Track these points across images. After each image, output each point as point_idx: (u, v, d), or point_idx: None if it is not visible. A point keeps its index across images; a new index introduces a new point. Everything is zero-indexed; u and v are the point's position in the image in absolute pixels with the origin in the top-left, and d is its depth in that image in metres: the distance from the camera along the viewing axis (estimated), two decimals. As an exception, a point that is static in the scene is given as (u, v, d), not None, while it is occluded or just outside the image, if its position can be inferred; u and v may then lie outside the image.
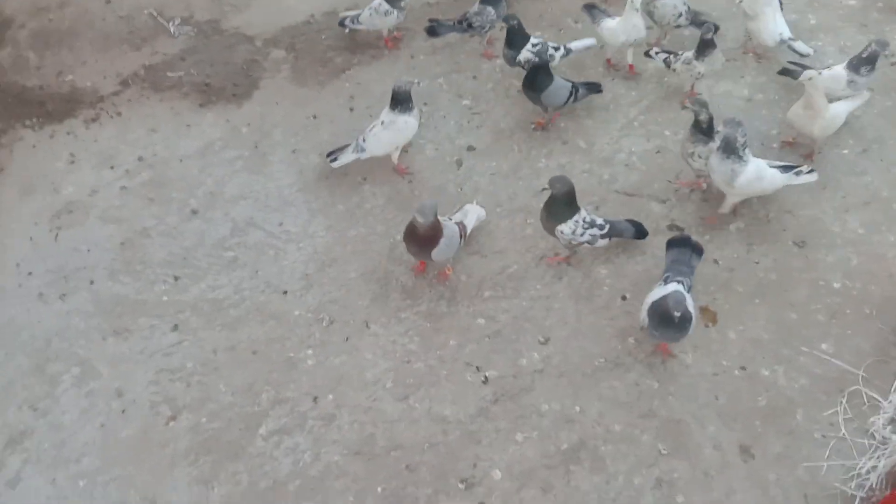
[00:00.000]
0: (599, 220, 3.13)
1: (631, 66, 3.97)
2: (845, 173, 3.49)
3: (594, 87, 3.75)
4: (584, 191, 3.45)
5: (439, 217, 3.02)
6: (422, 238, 2.99)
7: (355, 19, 4.08)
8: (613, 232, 3.16)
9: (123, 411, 2.91)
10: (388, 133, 3.47)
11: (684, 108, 3.78)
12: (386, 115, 3.46)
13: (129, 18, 4.51)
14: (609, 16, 3.93)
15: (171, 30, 4.40)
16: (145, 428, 2.86)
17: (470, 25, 3.97)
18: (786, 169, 3.22)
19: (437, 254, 3.03)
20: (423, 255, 3.10)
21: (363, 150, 3.49)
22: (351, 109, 3.94)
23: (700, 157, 3.26)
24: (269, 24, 4.42)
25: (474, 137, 3.75)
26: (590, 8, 3.98)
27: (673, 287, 2.80)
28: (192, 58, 4.25)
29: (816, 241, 3.29)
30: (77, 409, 2.92)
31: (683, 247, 3.02)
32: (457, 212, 3.28)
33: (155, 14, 4.50)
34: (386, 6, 3.98)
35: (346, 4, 4.49)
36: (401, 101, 3.42)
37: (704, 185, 3.43)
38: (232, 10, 4.53)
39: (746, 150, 3.11)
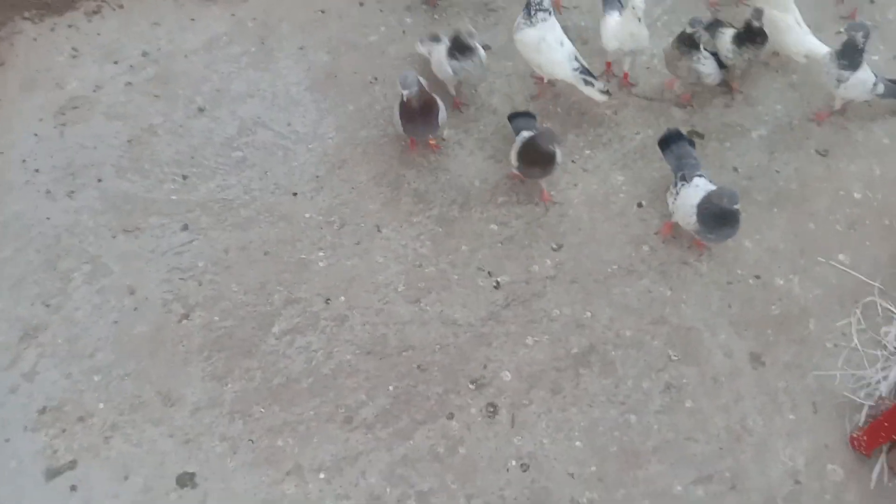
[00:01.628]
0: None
1: (626, 75, 3.42)
2: (875, 80, 3.36)
3: None
4: (603, 94, 3.35)
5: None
6: (422, 110, 2.96)
7: None
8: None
9: (136, 308, 2.92)
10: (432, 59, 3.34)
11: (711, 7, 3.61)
12: (439, 46, 3.26)
13: None
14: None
15: (173, -84, 4.18)
16: (158, 325, 2.87)
17: None
18: (584, 72, 3.12)
19: (440, 121, 3.04)
20: (429, 129, 3.05)
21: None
22: (361, 4, 3.77)
23: (698, 62, 3.14)
24: (275, -88, 4.19)
25: (489, 36, 3.60)
26: None
27: (703, 183, 2.76)
28: (196, -54, 4.05)
29: (840, 151, 3.21)
30: (89, 305, 2.93)
31: (680, 140, 2.98)
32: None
33: None
34: None
35: None
36: (452, 43, 3.15)
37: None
38: None
39: (539, 15, 3.03)
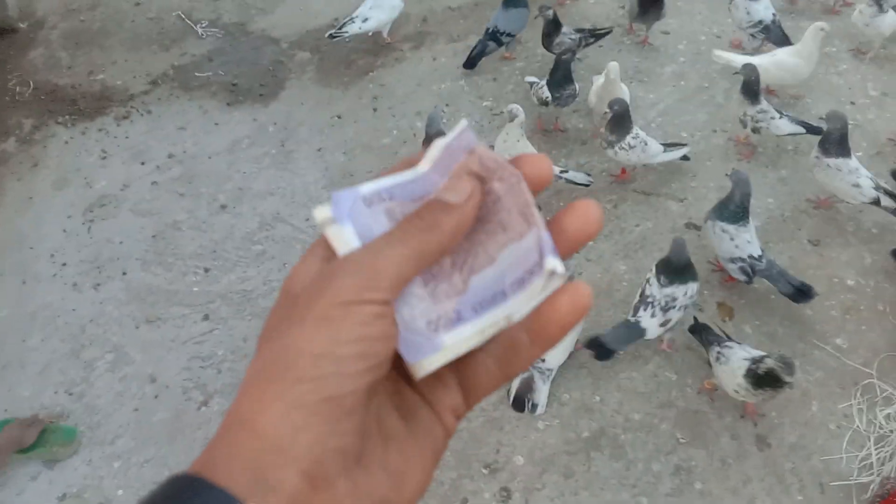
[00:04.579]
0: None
1: (623, 171, 3.57)
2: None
3: None
4: (603, 189, 3.55)
5: None
6: None
7: None
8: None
9: (156, 396, 3.00)
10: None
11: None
12: None
13: (157, 20, 4.64)
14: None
15: (199, 31, 4.53)
16: (178, 412, 2.95)
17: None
18: None
19: None
20: None
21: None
22: (374, 110, 4.04)
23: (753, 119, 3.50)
24: (294, 27, 4.54)
25: (495, 137, 3.84)
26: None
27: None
28: (220, 59, 4.37)
29: (831, 240, 3.37)
30: (111, 393, 3.02)
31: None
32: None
33: (183, 16, 4.63)
34: None
35: (369, 8, 4.61)
36: None
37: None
38: (258, 14, 4.66)
39: None
